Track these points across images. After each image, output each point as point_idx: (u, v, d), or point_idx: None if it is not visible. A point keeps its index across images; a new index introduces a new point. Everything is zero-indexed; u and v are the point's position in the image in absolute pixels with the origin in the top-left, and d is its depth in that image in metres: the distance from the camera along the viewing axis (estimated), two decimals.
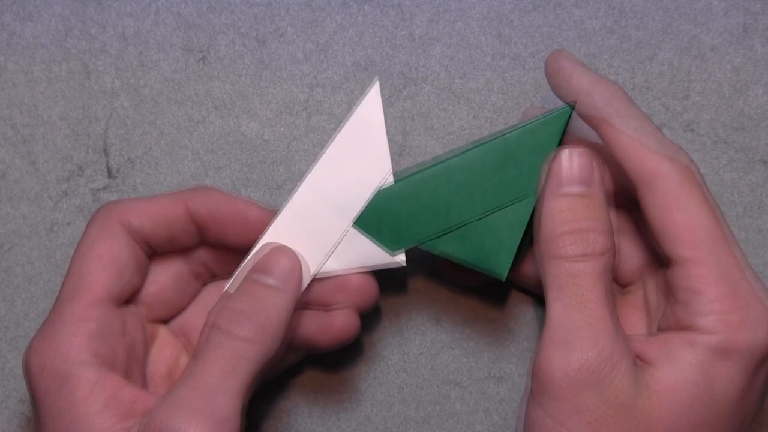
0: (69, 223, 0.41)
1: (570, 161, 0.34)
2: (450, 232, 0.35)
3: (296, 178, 0.41)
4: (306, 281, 0.35)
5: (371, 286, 0.36)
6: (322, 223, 0.35)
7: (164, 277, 0.36)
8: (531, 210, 0.35)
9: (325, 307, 0.36)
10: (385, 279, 0.37)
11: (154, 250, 0.36)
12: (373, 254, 0.35)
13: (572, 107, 0.35)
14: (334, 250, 0.35)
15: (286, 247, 0.35)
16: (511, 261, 0.35)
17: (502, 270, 0.35)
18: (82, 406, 0.31)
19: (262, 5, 0.42)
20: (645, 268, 0.37)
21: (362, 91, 0.41)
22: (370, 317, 0.40)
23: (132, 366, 0.34)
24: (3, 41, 0.42)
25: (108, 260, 0.33)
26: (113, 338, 0.33)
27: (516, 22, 0.42)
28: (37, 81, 0.42)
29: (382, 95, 0.41)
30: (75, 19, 0.42)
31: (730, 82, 0.41)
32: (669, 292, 0.34)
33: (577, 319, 0.32)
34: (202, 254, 0.37)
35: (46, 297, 0.41)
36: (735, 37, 0.41)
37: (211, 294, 0.38)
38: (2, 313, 0.41)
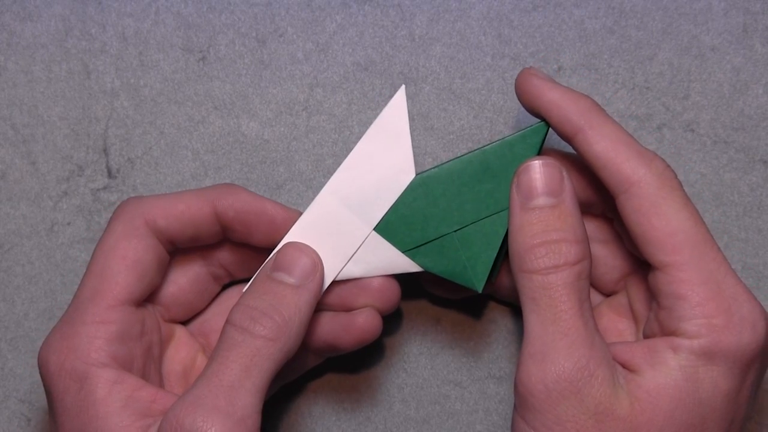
0: (69, 223, 0.41)
1: (537, 173, 0.34)
2: (427, 244, 0.35)
3: (296, 178, 0.41)
4: (326, 283, 0.35)
5: (393, 287, 0.36)
6: (343, 227, 0.35)
7: (183, 278, 0.36)
8: (507, 223, 0.35)
9: (346, 308, 0.36)
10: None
11: (176, 248, 0.36)
12: (393, 259, 0.35)
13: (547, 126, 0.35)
14: (354, 254, 0.35)
15: (306, 245, 0.35)
16: (487, 274, 0.35)
17: (479, 283, 0.35)
18: (101, 406, 0.31)
19: (262, 5, 0.42)
20: (628, 275, 0.37)
21: (362, 91, 0.41)
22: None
23: (149, 366, 0.34)
24: (3, 41, 0.42)
25: (132, 261, 0.33)
26: (132, 340, 0.33)
27: (516, 22, 0.42)
28: (37, 81, 0.42)
29: (383, 95, 0.41)
30: (75, 19, 0.42)
31: (730, 82, 0.41)
32: (652, 297, 0.34)
33: (551, 330, 0.32)
34: (223, 255, 0.37)
35: (46, 297, 0.41)
36: (735, 37, 0.41)
37: (231, 296, 0.38)
38: (2, 313, 0.41)
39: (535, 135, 0.35)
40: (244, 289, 0.34)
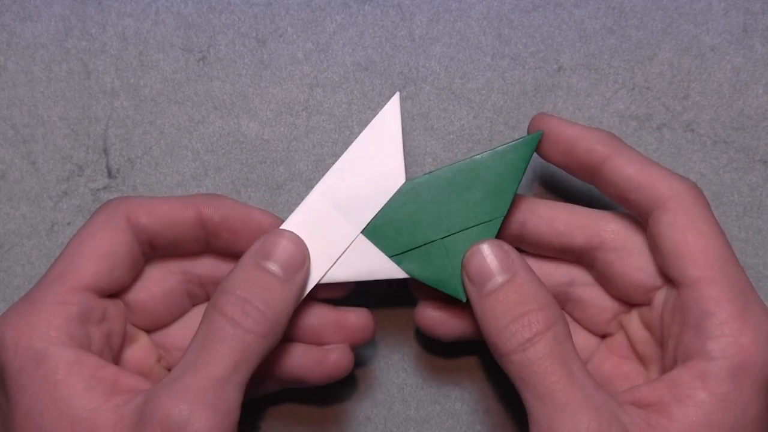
0: (69, 223, 0.41)
1: (484, 256, 0.33)
2: (414, 250, 0.35)
3: (296, 178, 0.41)
4: (311, 285, 0.35)
5: (368, 323, 0.36)
6: (331, 229, 0.35)
7: (158, 288, 0.36)
8: (496, 232, 0.35)
9: (319, 342, 0.36)
10: (386, 280, 0.37)
11: (154, 252, 0.35)
12: (379, 264, 0.35)
13: (542, 132, 0.35)
14: (340, 257, 0.35)
15: (296, 235, 0.34)
16: None
17: (462, 292, 0.35)
18: (63, 387, 0.31)
19: (262, 5, 0.42)
20: (621, 315, 0.36)
21: (362, 91, 0.41)
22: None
23: (106, 353, 0.33)
24: (3, 41, 0.42)
25: (104, 251, 0.33)
26: (91, 324, 0.33)
27: (516, 22, 0.42)
28: (37, 81, 0.42)
29: (383, 95, 0.41)
30: (75, 19, 0.42)
31: (730, 82, 0.41)
32: (673, 321, 0.33)
33: (550, 406, 0.31)
34: (204, 270, 0.36)
35: None
36: (735, 37, 0.41)
37: (198, 315, 0.36)
38: (2, 313, 0.41)
39: (527, 146, 0.35)
40: (228, 275, 0.33)
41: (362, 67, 0.42)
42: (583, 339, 0.37)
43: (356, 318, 0.36)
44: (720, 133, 0.41)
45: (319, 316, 0.36)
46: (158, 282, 0.36)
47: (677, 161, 0.41)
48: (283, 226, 0.35)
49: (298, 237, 0.34)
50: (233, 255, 0.35)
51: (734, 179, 0.41)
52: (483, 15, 0.42)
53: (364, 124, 0.41)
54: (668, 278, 0.34)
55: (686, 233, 0.32)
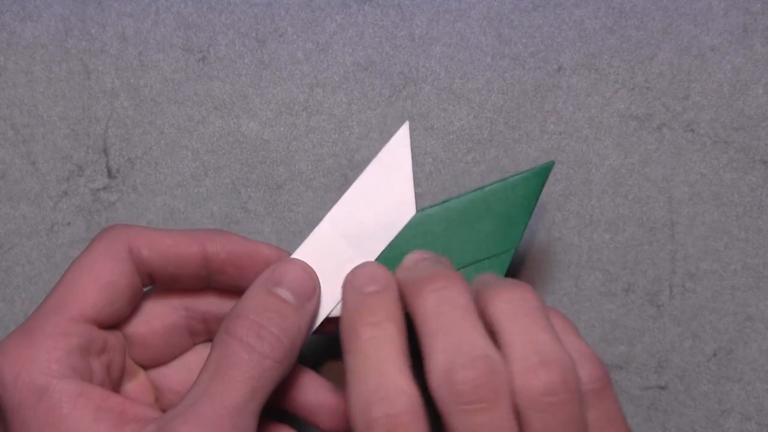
0: (69, 223, 0.41)
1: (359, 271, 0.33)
2: None
3: (296, 178, 0.41)
4: (321, 316, 0.34)
5: None
6: (341, 260, 0.34)
7: (159, 323, 0.35)
8: (507, 264, 0.34)
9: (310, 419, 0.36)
10: None
11: (153, 284, 0.34)
12: None
13: (553, 162, 0.35)
14: None
15: (306, 263, 0.33)
16: None
17: None
18: (70, 421, 0.30)
19: (262, 5, 0.42)
20: None
21: (362, 91, 0.41)
22: None
23: (106, 384, 0.33)
24: (3, 41, 0.42)
25: (105, 282, 0.32)
26: (92, 355, 0.32)
27: (516, 22, 0.42)
28: (37, 81, 0.42)
29: (383, 95, 0.41)
30: (75, 19, 0.42)
31: (730, 82, 0.41)
32: None
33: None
34: (207, 307, 0.35)
35: None
36: (735, 37, 0.41)
37: (199, 354, 0.36)
38: (2, 313, 0.41)
39: (538, 177, 0.35)
40: (240, 301, 0.32)
41: (362, 67, 0.42)
42: None
43: None
44: (720, 133, 0.41)
45: (317, 396, 0.35)
46: (160, 317, 0.35)
47: (677, 161, 0.41)
48: (293, 256, 0.34)
49: (309, 265, 0.33)
50: (236, 291, 0.34)
51: (734, 179, 0.41)
52: (483, 15, 0.42)
53: (364, 124, 0.41)
54: None
55: None
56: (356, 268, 0.33)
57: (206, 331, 0.36)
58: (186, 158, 0.41)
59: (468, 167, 0.41)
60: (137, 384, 0.35)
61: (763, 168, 0.41)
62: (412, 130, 0.41)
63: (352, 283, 0.32)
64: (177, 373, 0.36)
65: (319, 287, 0.33)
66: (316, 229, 0.34)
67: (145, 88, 0.42)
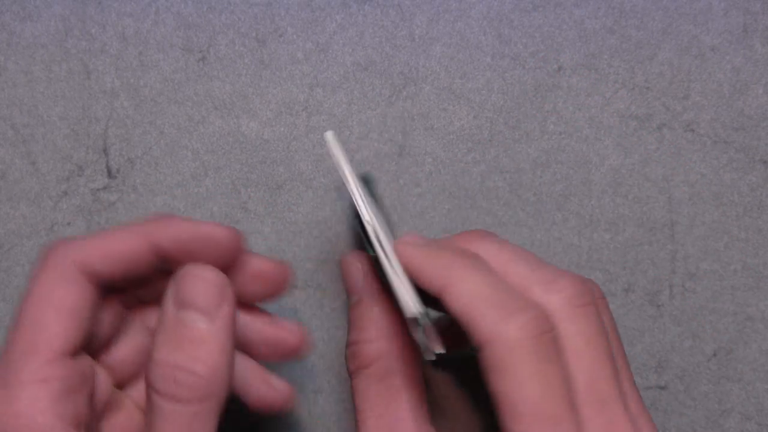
0: (69, 223, 0.41)
1: (348, 269, 0.33)
2: None
3: (296, 178, 0.41)
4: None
5: (302, 341, 0.34)
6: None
7: (139, 337, 0.34)
8: None
9: (249, 354, 0.34)
10: None
11: (111, 289, 0.33)
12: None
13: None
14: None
15: (206, 266, 0.31)
16: None
17: None
18: None
19: (262, 5, 0.42)
20: None
21: (362, 91, 0.41)
22: None
23: (92, 420, 0.31)
24: (3, 41, 0.42)
25: (67, 310, 0.30)
26: (75, 393, 0.30)
27: (516, 22, 0.42)
28: (37, 81, 0.42)
29: (383, 95, 0.41)
30: (75, 19, 0.42)
31: (730, 82, 0.41)
32: None
33: None
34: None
35: None
36: (735, 37, 0.41)
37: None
38: (2, 313, 0.41)
39: None
40: (154, 337, 0.30)
41: (362, 67, 0.42)
42: None
43: (290, 336, 0.34)
44: (720, 133, 0.41)
45: (254, 332, 0.34)
46: (137, 332, 0.34)
47: (677, 161, 0.41)
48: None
49: (211, 268, 0.31)
50: None
51: (734, 179, 0.41)
52: (483, 15, 0.42)
53: (364, 123, 0.41)
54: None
55: (500, 381, 0.28)
56: None
57: None
58: (186, 158, 0.41)
59: (468, 167, 0.41)
60: (124, 414, 0.33)
61: (763, 168, 0.41)
62: (412, 130, 0.41)
63: None
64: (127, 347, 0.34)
65: (228, 285, 0.31)
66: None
67: (145, 88, 0.42)
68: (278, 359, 0.34)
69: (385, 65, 0.42)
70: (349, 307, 0.33)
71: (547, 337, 0.29)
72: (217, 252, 0.32)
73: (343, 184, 0.33)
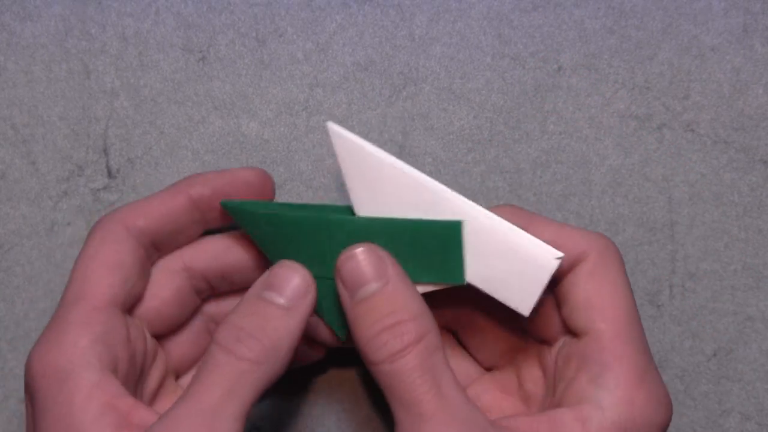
0: (69, 223, 0.41)
1: (357, 262, 0.33)
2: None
3: (296, 178, 0.41)
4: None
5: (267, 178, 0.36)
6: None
7: (167, 292, 0.36)
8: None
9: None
10: None
11: (159, 252, 0.35)
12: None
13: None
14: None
15: (299, 264, 0.33)
16: (341, 329, 0.35)
17: (338, 331, 0.35)
18: (78, 412, 0.30)
19: (262, 5, 0.42)
20: (517, 351, 0.36)
21: (362, 91, 0.41)
22: None
23: (131, 375, 0.33)
24: (3, 41, 0.42)
25: (113, 265, 0.33)
26: (117, 344, 0.33)
27: (516, 22, 0.42)
28: (37, 81, 0.42)
29: (383, 95, 0.41)
30: (75, 19, 0.42)
31: (730, 82, 0.41)
32: (568, 366, 0.33)
33: (417, 417, 0.30)
34: (203, 260, 0.36)
35: (46, 297, 0.41)
36: (735, 37, 0.41)
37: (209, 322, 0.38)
38: (2, 313, 0.41)
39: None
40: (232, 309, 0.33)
41: (362, 67, 0.42)
42: (465, 367, 0.37)
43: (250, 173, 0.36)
44: (720, 133, 0.41)
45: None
46: (165, 285, 0.36)
47: (677, 161, 0.41)
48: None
49: (302, 266, 0.33)
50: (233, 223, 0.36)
51: (734, 179, 0.41)
52: (483, 15, 0.42)
53: (364, 123, 0.41)
54: (570, 329, 0.34)
55: (601, 286, 0.33)
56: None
57: (209, 288, 0.37)
58: (186, 158, 0.41)
59: (468, 167, 0.41)
60: (158, 362, 0.36)
61: (763, 168, 0.41)
62: (412, 130, 0.41)
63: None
64: (188, 343, 0.37)
65: (313, 286, 0.33)
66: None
67: (145, 88, 0.42)
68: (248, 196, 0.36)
69: (385, 65, 0.42)
70: (368, 297, 0.32)
71: (621, 257, 0.34)
72: (250, 192, 0.35)
73: (347, 182, 0.34)
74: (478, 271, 0.33)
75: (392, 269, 0.33)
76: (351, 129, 0.41)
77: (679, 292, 0.41)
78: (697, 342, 0.40)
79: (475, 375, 0.38)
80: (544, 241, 0.32)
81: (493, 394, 0.36)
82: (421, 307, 0.32)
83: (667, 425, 0.32)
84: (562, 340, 0.34)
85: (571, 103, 0.41)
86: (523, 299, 0.32)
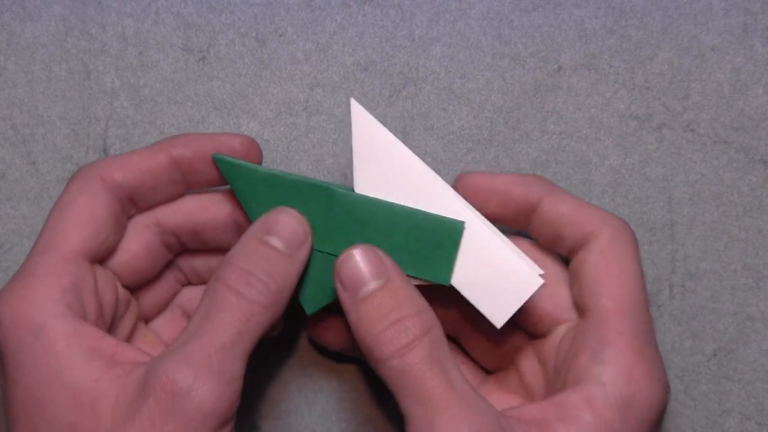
0: None
1: (356, 262, 0.33)
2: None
3: None
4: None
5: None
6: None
7: (138, 246, 0.36)
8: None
9: None
10: None
11: (136, 207, 0.35)
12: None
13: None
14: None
15: (297, 212, 0.34)
16: (313, 305, 0.35)
17: (306, 305, 0.35)
18: (63, 358, 0.30)
19: (262, 5, 0.42)
20: (516, 351, 0.36)
21: (362, 91, 0.41)
22: None
23: (100, 325, 0.33)
24: (3, 41, 0.42)
25: (86, 216, 0.33)
26: (87, 294, 0.33)
27: (516, 22, 0.42)
28: (37, 81, 0.42)
29: (383, 95, 0.41)
30: (75, 19, 0.42)
31: (730, 82, 0.41)
32: (570, 349, 0.33)
33: (430, 410, 0.30)
34: (175, 217, 0.36)
35: None
36: (735, 37, 0.41)
37: (188, 299, 0.38)
38: None
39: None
40: (232, 249, 0.33)
41: (362, 67, 0.42)
42: (467, 372, 0.38)
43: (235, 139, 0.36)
44: (720, 133, 0.41)
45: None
46: (136, 240, 0.36)
47: (677, 161, 0.41)
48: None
49: (300, 214, 0.34)
50: (213, 185, 0.36)
51: (734, 179, 0.41)
52: (483, 15, 0.42)
53: None
54: (577, 307, 0.34)
55: (610, 264, 0.33)
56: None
57: (179, 244, 0.37)
58: None
59: (468, 167, 0.41)
60: (146, 343, 0.36)
61: (763, 168, 0.41)
62: (412, 130, 0.41)
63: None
64: (168, 318, 0.38)
65: (311, 235, 0.34)
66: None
67: (145, 88, 0.42)
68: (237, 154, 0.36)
69: (385, 65, 0.42)
70: (370, 295, 0.32)
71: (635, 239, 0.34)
72: (235, 155, 0.35)
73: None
74: (463, 276, 0.33)
75: (391, 267, 0.33)
76: (351, 129, 0.41)
77: (679, 292, 0.41)
78: (697, 342, 0.40)
79: (478, 379, 0.38)
80: (562, 214, 0.34)
81: (498, 394, 0.36)
82: (423, 303, 0.32)
83: (665, 407, 0.32)
84: (562, 329, 0.34)
85: (571, 103, 0.41)
86: (500, 311, 0.33)
